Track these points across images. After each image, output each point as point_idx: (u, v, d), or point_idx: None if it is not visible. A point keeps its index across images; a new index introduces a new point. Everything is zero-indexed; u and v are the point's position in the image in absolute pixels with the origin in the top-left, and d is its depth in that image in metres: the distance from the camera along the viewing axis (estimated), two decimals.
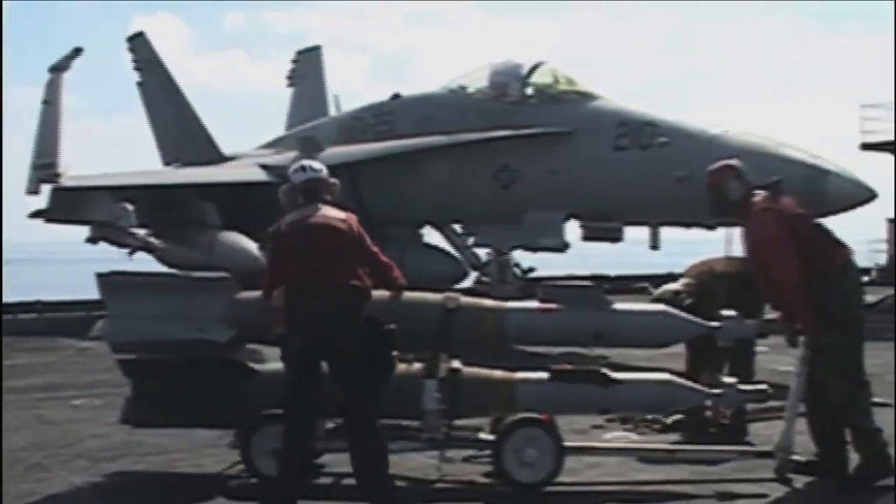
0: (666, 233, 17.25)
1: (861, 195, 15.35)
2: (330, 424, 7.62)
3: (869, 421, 7.75)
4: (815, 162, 15.01)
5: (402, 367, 7.45)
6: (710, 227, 16.18)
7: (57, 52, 23.04)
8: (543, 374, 7.87)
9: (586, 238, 18.11)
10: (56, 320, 21.08)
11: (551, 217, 17.66)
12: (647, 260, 24.14)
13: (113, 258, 21.39)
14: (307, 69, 32.68)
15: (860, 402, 7.72)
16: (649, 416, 9.53)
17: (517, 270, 22.73)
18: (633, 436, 9.38)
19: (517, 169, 18.09)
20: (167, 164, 29.59)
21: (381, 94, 22.69)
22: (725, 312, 8.18)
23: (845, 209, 15.14)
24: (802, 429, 8.04)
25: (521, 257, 22.08)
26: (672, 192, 15.30)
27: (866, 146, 35.64)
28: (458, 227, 22.47)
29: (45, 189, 21.74)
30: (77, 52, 23.33)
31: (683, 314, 8.30)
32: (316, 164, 7.38)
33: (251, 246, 20.43)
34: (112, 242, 21.95)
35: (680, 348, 9.35)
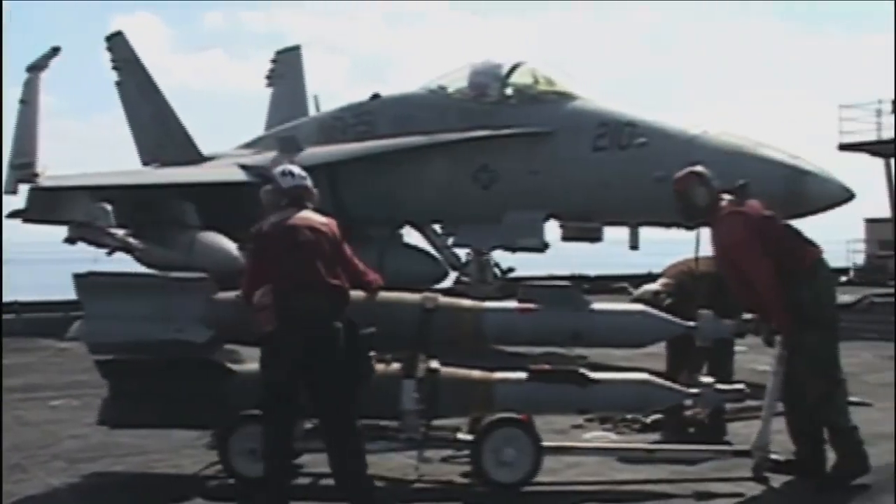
0: (645, 233, 17.32)
1: (839, 195, 15.41)
2: (308, 425, 7.61)
3: (846, 419, 7.79)
4: (794, 162, 15.06)
5: (380, 367, 7.44)
6: (690, 228, 16.17)
7: (34, 52, 22.96)
8: (522, 374, 7.87)
9: (566, 238, 18.10)
10: (34, 321, 20.94)
11: (531, 217, 17.66)
12: (626, 260, 24.20)
13: (89, 258, 21.30)
14: (286, 69, 32.66)
15: (836, 400, 7.76)
16: (629, 416, 9.55)
17: (497, 270, 22.72)
18: (613, 435, 9.40)
19: (497, 169, 18.09)
20: (146, 163, 29.51)
21: (361, 94, 22.68)
22: (702, 312, 8.19)
23: (824, 209, 15.21)
24: (781, 428, 8.07)
25: (501, 257, 22.10)
26: (651, 193, 15.30)
27: (844, 146, 35.88)
28: (437, 228, 22.48)
29: (23, 189, 21.64)
30: (55, 51, 23.21)
31: (662, 314, 8.32)
32: (301, 172, 7.43)
33: (231, 246, 20.37)
34: (90, 243, 21.84)
35: (660, 348, 9.37)
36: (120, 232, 21.65)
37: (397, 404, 7.55)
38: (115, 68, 30.51)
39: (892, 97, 34.78)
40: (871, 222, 40.62)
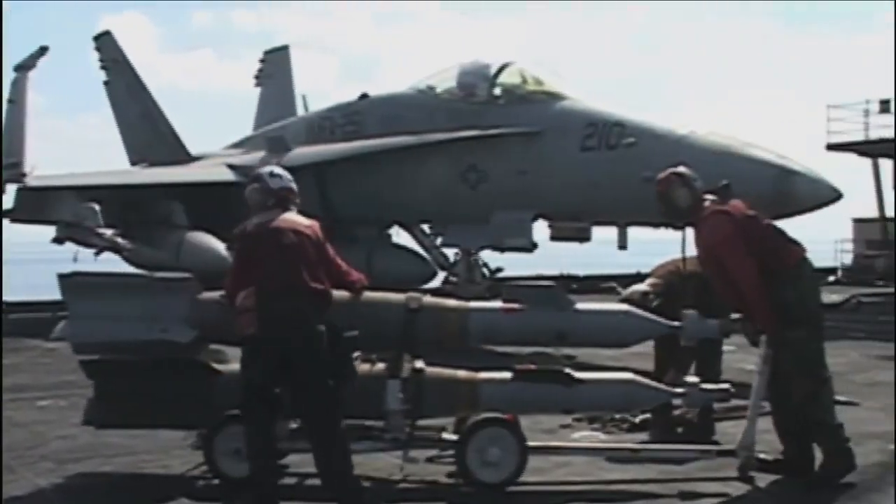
0: (634, 232, 17.33)
1: (827, 195, 15.43)
2: (293, 425, 7.60)
3: (832, 417, 7.80)
4: (782, 162, 15.08)
5: (365, 367, 7.47)
6: (678, 227, 16.18)
7: (22, 51, 22.90)
8: (507, 374, 7.87)
9: (554, 238, 18.09)
10: (21, 321, 20.88)
11: (519, 217, 17.67)
12: (615, 260, 24.22)
13: (75, 258, 21.26)
14: (275, 69, 32.62)
15: (822, 398, 7.77)
16: (618, 416, 9.55)
17: (485, 271, 22.73)
18: (602, 435, 9.39)
19: (485, 169, 18.09)
20: (134, 163, 29.48)
21: (350, 94, 22.69)
22: (687, 312, 8.20)
23: (811, 209, 15.24)
24: (770, 427, 8.08)
25: (490, 257, 22.10)
26: (639, 193, 15.26)
27: (832, 147, 36.01)
28: (426, 228, 22.50)
29: (11, 189, 21.58)
30: (43, 50, 23.16)
31: (645, 314, 8.32)
32: (286, 173, 7.48)
33: (219, 246, 20.32)
34: (79, 243, 21.77)
35: (649, 348, 9.38)
36: (108, 232, 21.56)
37: (382, 404, 7.53)
38: (103, 68, 30.46)
39: (880, 97, 34.96)
40: (859, 222, 40.76)
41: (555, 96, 17.90)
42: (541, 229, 18.13)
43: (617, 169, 16.07)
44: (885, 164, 37.27)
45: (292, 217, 7.17)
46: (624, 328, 8.18)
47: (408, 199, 19.76)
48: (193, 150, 28.07)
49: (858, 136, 35.64)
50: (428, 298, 8.22)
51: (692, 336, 8.24)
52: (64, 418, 10.29)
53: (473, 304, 8.41)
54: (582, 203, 16.92)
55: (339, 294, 7.30)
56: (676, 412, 9.22)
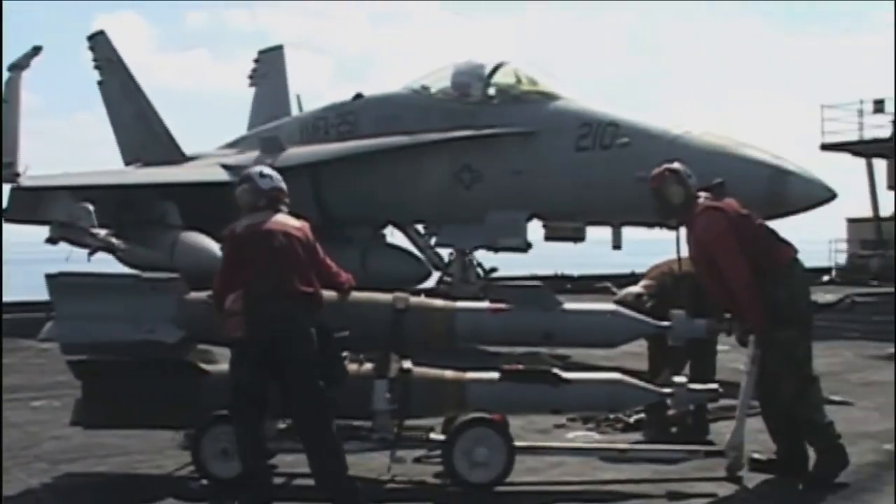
0: (628, 232, 17.36)
1: (821, 195, 15.42)
2: (281, 425, 7.57)
3: (821, 415, 7.79)
4: (776, 162, 15.07)
5: (353, 367, 7.45)
6: (672, 227, 16.17)
7: (16, 51, 22.83)
8: (494, 374, 7.85)
9: (549, 238, 18.14)
10: (15, 321, 20.80)
11: (513, 217, 17.66)
12: (609, 259, 24.23)
13: (72, 258, 21.21)
14: (269, 69, 32.61)
15: (810, 396, 7.76)
16: (612, 416, 9.52)
17: (480, 270, 22.71)
18: (596, 435, 9.36)
19: (479, 169, 18.08)
20: (128, 163, 29.47)
21: (344, 94, 22.66)
22: (675, 312, 8.16)
23: (806, 209, 15.25)
24: (763, 427, 8.07)
25: (484, 257, 22.08)
26: (634, 192, 15.26)
27: (826, 146, 36.08)
28: (420, 228, 22.49)
29: (5, 188, 21.56)
30: (37, 50, 23.07)
31: (633, 314, 8.29)
32: (276, 174, 7.45)
33: (213, 246, 20.24)
34: (73, 243, 21.71)
35: (642, 348, 9.35)
36: (102, 232, 21.50)
37: (370, 404, 7.52)
38: (97, 68, 30.46)
39: (874, 97, 35.03)
40: (853, 222, 40.83)
41: (549, 96, 17.90)
42: (535, 229, 18.16)
43: (611, 169, 16.07)
44: (880, 164, 37.41)
45: (283, 219, 7.16)
46: (611, 328, 8.15)
47: (402, 199, 19.75)
48: (188, 150, 28.07)
49: (853, 136, 35.74)
50: (415, 298, 8.20)
51: (680, 336, 8.21)
52: (57, 419, 10.24)
53: (460, 304, 8.40)
54: (576, 203, 16.92)
55: (327, 294, 7.31)
56: (671, 412, 9.19)
